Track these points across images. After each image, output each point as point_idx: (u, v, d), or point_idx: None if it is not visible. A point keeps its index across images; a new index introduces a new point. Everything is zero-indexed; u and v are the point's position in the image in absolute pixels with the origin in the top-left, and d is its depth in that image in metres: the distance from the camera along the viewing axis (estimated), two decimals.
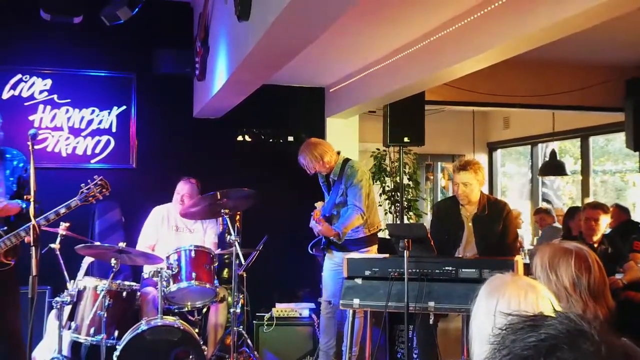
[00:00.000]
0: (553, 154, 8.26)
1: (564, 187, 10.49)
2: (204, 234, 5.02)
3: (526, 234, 8.97)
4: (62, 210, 3.87)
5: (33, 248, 3.36)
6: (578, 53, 6.45)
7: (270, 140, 6.59)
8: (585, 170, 8.64)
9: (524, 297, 1.58)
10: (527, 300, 1.57)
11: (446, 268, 3.90)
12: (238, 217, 5.73)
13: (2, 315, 3.80)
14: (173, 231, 4.99)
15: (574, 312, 1.08)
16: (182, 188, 4.98)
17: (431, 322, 4.00)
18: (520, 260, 3.92)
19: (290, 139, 6.59)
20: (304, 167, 4.82)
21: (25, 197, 3.60)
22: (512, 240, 4.46)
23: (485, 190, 4.69)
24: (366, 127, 7.31)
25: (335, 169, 4.84)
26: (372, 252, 4.79)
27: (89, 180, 4.04)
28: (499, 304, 1.58)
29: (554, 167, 8.28)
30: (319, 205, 4.73)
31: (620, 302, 2.38)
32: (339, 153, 4.90)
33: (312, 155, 4.75)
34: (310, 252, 4.97)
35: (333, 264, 4.87)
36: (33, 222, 3.38)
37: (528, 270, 2.97)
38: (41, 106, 5.74)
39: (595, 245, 4.96)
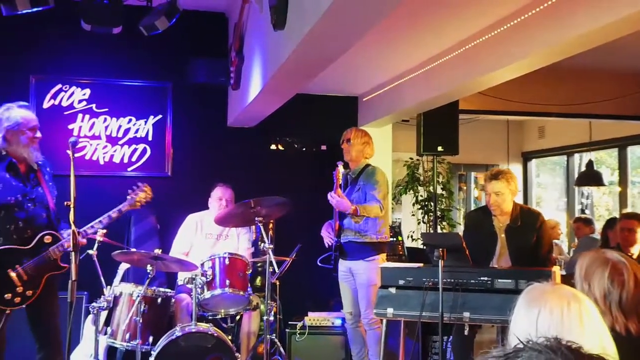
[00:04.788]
0: (590, 164, 8.12)
1: (600, 198, 10.30)
2: (238, 241, 5.06)
3: (563, 245, 8.80)
4: (114, 214, 3.97)
5: (72, 253, 3.41)
6: (615, 61, 6.34)
7: (304, 149, 6.61)
8: (622, 181, 8.47)
9: (567, 307, 1.54)
10: (570, 310, 1.53)
11: (481, 278, 3.86)
12: (271, 225, 5.75)
13: (51, 320, 3.82)
14: (207, 238, 5.03)
15: (545, 338, 1.09)
16: (224, 192, 5.04)
17: (466, 332, 3.96)
18: (557, 271, 3.86)
19: (324, 147, 6.60)
20: (343, 136, 4.97)
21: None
22: (546, 251, 4.37)
23: (520, 201, 4.62)
24: (399, 136, 7.29)
25: (355, 168, 4.90)
26: (380, 261, 4.73)
27: (134, 187, 4.15)
28: (541, 314, 1.54)
29: (590, 177, 8.15)
30: (341, 167, 4.72)
31: None
32: (367, 159, 4.95)
33: (360, 134, 4.93)
34: (319, 264, 4.92)
35: (342, 274, 4.87)
36: (73, 227, 3.43)
37: (566, 282, 2.92)
38: (80, 115, 5.85)
39: (634, 256, 4.85)
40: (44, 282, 3.73)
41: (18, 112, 3.74)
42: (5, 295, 3.60)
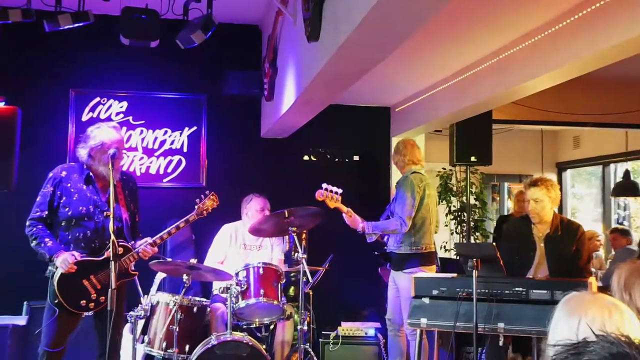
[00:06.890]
0: (627, 174, 7.99)
1: (638, 209, 10.09)
2: (272, 252, 5.10)
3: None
4: (182, 224, 4.13)
5: (112, 262, 3.50)
6: None
7: (336, 159, 6.64)
8: None
9: (608, 316, 1.52)
10: (612, 320, 1.51)
11: (516, 289, 3.83)
12: (304, 235, 5.79)
13: (117, 329, 3.87)
14: (241, 249, 5.08)
15: (616, 334, 1.09)
16: (265, 203, 5.13)
17: (501, 343, 3.93)
18: (594, 281, 3.81)
19: (356, 158, 6.62)
20: None
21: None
22: (584, 263, 4.32)
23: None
24: (432, 146, 7.28)
25: (401, 178, 4.98)
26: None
27: (202, 196, 4.29)
28: (582, 323, 1.52)
29: (628, 187, 8.01)
30: (324, 186, 4.63)
31: None
32: (416, 165, 4.97)
33: (399, 145, 5.05)
34: (375, 253, 5.04)
35: (390, 282, 4.98)
36: (112, 237, 3.52)
37: (602, 293, 2.89)
38: None
39: None
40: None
41: (105, 132, 3.89)
42: (81, 302, 3.76)
